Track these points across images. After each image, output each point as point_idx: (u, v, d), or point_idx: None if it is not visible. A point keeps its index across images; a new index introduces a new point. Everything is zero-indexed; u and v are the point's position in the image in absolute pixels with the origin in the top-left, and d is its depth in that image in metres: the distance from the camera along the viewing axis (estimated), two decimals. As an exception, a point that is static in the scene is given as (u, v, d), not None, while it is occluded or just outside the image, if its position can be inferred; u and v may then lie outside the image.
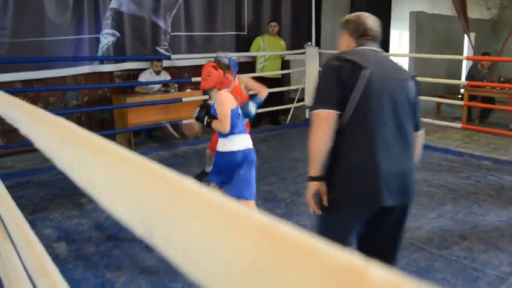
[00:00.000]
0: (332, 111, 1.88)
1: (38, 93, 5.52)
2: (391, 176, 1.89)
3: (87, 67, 5.83)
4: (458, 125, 6.29)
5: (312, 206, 1.99)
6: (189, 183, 0.42)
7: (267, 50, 7.10)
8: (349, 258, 0.30)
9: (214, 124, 2.92)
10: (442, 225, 3.61)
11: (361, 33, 2.08)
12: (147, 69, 6.10)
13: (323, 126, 1.88)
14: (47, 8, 5.36)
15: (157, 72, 6.07)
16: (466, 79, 7.92)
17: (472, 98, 7.55)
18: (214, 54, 6.77)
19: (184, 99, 5.88)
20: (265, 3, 7.62)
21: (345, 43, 2.13)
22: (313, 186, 1.95)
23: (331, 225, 2.01)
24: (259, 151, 5.71)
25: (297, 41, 7.80)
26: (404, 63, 11.40)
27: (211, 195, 0.39)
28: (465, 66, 10.73)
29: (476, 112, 7.73)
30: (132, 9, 6.11)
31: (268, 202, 4.06)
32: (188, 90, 6.19)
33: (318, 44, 8.16)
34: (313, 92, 1.99)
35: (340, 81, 1.89)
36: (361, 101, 1.88)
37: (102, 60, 5.98)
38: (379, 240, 2.08)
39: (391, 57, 2.21)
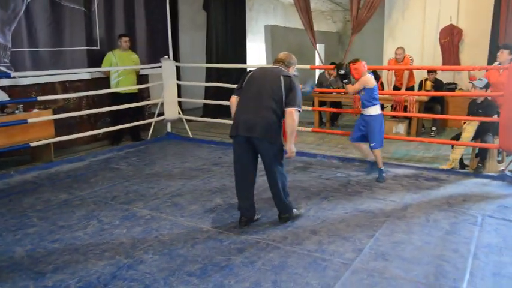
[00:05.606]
0: (236, 96, 3.75)
1: None
2: (242, 121, 3.57)
3: None
4: (309, 128, 6.77)
5: None
6: None
7: (119, 65, 6.84)
8: None
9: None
10: (296, 223, 3.82)
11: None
12: None
13: (233, 101, 3.76)
14: None
15: None
16: (316, 87, 8.55)
17: (322, 103, 8.19)
18: (64, 71, 6.43)
19: (30, 121, 5.39)
20: (118, 17, 7.37)
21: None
22: None
23: None
24: (118, 169, 5.56)
25: (154, 55, 7.69)
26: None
27: None
28: (317, 75, 11.61)
29: (327, 116, 8.41)
30: (-37, 23, 5.47)
31: (127, 220, 3.90)
32: (35, 111, 5.68)
33: (176, 57, 8.17)
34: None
35: (241, 80, 3.78)
36: (243, 88, 3.72)
37: None
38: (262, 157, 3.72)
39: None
